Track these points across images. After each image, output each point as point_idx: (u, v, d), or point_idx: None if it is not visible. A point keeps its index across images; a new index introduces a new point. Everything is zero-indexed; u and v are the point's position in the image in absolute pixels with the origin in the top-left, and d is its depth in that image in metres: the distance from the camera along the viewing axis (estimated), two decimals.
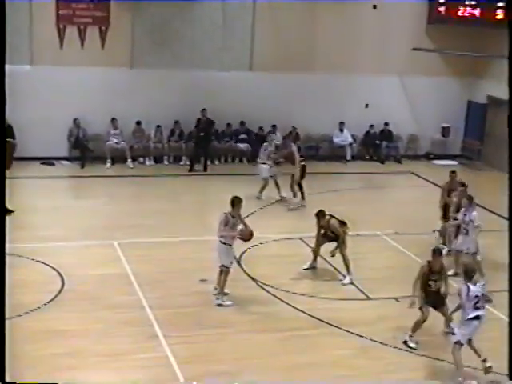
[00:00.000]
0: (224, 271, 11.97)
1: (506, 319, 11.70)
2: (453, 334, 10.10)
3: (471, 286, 9.93)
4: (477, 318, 9.87)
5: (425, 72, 22.78)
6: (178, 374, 9.70)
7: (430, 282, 10.91)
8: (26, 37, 19.59)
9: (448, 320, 10.88)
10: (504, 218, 16.14)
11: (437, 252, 11.06)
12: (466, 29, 21.82)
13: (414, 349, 10.87)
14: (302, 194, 17.47)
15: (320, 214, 13.47)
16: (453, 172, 14.56)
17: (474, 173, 22.69)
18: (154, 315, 11.33)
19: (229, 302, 11.97)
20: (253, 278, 13.09)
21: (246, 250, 13.96)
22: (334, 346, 10.90)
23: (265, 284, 12.82)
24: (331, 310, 12.02)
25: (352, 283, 13.15)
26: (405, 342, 11.01)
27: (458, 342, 9.90)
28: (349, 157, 22.73)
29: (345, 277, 13.29)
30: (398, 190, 17.30)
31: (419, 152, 23.82)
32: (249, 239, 12.22)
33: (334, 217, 13.36)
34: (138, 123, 20.95)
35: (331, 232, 13.36)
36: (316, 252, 13.69)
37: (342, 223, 13.31)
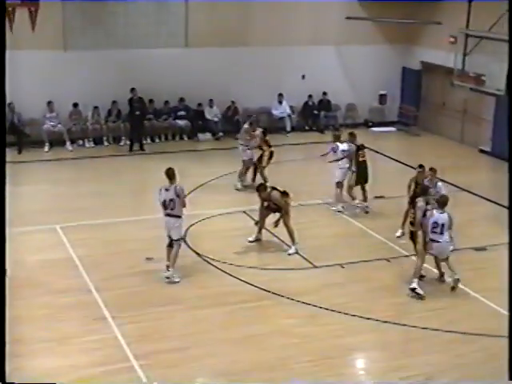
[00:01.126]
0: (177, 245, 12.05)
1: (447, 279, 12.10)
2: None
3: (435, 213, 11.59)
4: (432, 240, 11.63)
5: (360, 41, 22.96)
6: (127, 354, 9.71)
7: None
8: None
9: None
10: (445, 181, 16.49)
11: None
12: None
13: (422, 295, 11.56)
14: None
15: (261, 188, 13.59)
16: (420, 167, 13.69)
17: (412, 138, 23.11)
18: (101, 297, 11.29)
19: (178, 279, 12.02)
20: (198, 254, 13.12)
21: (190, 226, 13.96)
22: (281, 315, 11.04)
23: (211, 259, 12.86)
24: (278, 281, 12.15)
25: (297, 253, 13.29)
26: (413, 290, 11.62)
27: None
28: (288, 128, 22.83)
29: (290, 247, 13.42)
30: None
31: (358, 120, 24.04)
32: None
33: (275, 188, 13.45)
34: (75, 105, 20.62)
35: (273, 204, 13.46)
36: (261, 224, 13.78)
37: (284, 194, 13.40)
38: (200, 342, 10.13)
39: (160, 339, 10.18)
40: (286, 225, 13.40)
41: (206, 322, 10.75)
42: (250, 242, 13.73)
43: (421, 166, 13.59)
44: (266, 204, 13.58)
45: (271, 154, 17.00)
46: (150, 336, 10.25)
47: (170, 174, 11.94)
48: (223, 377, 9.37)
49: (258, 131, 17.09)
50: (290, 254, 13.31)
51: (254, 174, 17.13)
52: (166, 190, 11.86)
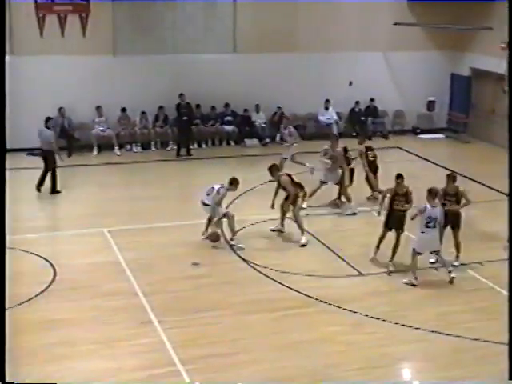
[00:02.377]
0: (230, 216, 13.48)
1: (497, 288, 11.88)
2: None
3: (428, 207, 11.84)
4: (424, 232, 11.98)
5: (408, 47, 22.76)
6: (173, 358, 9.73)
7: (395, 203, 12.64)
8: (5, 26, 19.39)
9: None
10: (493, 189, 16.27)
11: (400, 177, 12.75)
12: (448, 1, 21.77)
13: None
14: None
15: (272, 168, 14.14)
16: (398, 177, 13.07)
17: (461, 145, 22.80)
18: (148, 301, 11.35)
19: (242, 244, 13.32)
20: (244, 260, 13.13)
21: (237, 231, 13.96)
22: (326, 323, 10.96)
23: (257, 264, 12.85)
24: (323, 288, 12.07)
25: (304, 245, 13.73)
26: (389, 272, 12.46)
27: (414, 250, 12.13)
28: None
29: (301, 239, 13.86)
30: (385, 166, 17.31)
31: (405, 127, 23.85)
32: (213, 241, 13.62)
33: (290, 176, 13.98)
34: (123, 110, 20.87)
35: (283, 187, 13.91)
36: (274, 205, 14.27)
37: (298, 185, 13.91)
38: (246, 348, 10.12)
39: (206, 344, 10.18)
40: (295, 214, 13.82)
41: (252, 327, 10.73)
42: (272, 230, 14.34)
43: (398, 177, 13.09)
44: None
45: (352, 172, 16.43)
46: (196, 341, 10.27)
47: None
48: (268, 383, 9.33)
49: (339, 149, 16.22)
50: (303, 245, 13.69)
51: (339, 194, 16.39)
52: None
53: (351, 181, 16.29)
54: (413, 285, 12.09)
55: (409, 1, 22.58)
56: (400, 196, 12.72)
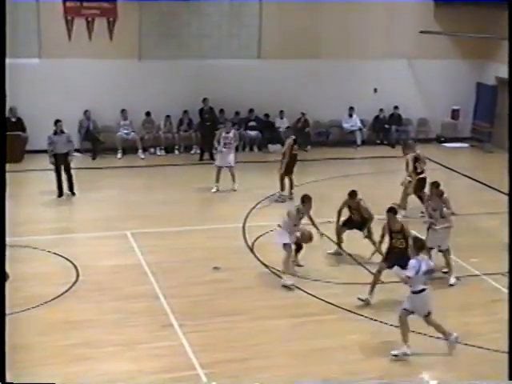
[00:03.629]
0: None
1: None
2: None
3: (423, 263, 10.13)
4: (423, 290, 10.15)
5: (433, 55, 22.70)
6: (193, 362, 9.79)
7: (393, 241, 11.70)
8: (34, 30, 19.67)
9: None
10: None
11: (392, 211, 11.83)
12: (474, 10, 21.73)
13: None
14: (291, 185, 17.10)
15: (352, 193, 13.43)
16: (351, 194, 13.44)
17: (485, 155, 22.67)
18: (169, 304, 11.42)
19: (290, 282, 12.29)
20: (265, 265, 13.16)
21: (258, 237, 14.02)
22: (347, 330, 10.95)
23: (277, 270, 12.86)
24: (343, 295, 12.06)
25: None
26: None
27: (405, 309, 10.23)
28: (359, 142, 22.73)
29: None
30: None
31: (430, 135, 23.76)
32: (307, 242, 12.80)
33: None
34: (148, 114, 21.02)
35: (359, 215, 13.37)
36: (339, 233, 13.65)
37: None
38: (265, 354, 10.15)
39: (226, 349, 10.22)
40: (373, 241, 13.16)
41: (272, 333, 10.76)
42: (330, 253, 13.77)
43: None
44: (347, 216, 13.59)
45: (421, 181, 15.90)
46: (216, 345, 10.31)
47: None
48: None
49: (410, 156, 16.09)
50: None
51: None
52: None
53: (417, 190, 15.86)
54: (406, 354, 10.22)
55: (436, 6, 22.46)
56: (396, 233, 11.87)
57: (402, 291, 12.20)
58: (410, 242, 11.27)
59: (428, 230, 12.87)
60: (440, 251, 12.77)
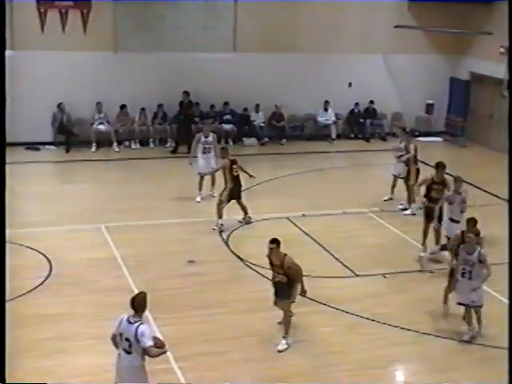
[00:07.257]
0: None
1: (492, 293, 11.90)
2: None
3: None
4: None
5: (408, 49, 22.79)
6: (168, 355, 9.74)
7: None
8: (6, 21, 19.37)
9: None
10: (490, 193, 16.30)
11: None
12: (448, 5, 21.81)
13: None
14: None
15: (440, 165, 13.54)
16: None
17: (459, 149, 22.85)
18: None
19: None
20: (240, 258, 13.17)
21: (233, 230, 14.02)
22: (322, 323, 11.02)
23: (252, 263, 12.88)
24: (318, 288, 12.04)
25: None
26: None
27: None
28: (334, 135, 22.78)
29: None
30: (383, 168, 17.39)
31: None
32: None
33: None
34: (123, 107, 20.88)
35: (442, 185, 13.42)
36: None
37: None
38: (239, 347, 10.17)
39: (200, 342, 10.23)
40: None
41: (247, 326, 10.77)
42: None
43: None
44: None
45: (418, 172, 16.10)
46: (191, 338, 10.32)
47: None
48: (261, 382, 9.38)
49: (413, 145, 16.19)
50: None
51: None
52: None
53: (416, 180, 15.75)
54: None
55: (410, 1, 22.58)
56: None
57: (378, 285, 12.33)
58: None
59: (450, 276, 11.14)
60: (473, 307, 10.64)
